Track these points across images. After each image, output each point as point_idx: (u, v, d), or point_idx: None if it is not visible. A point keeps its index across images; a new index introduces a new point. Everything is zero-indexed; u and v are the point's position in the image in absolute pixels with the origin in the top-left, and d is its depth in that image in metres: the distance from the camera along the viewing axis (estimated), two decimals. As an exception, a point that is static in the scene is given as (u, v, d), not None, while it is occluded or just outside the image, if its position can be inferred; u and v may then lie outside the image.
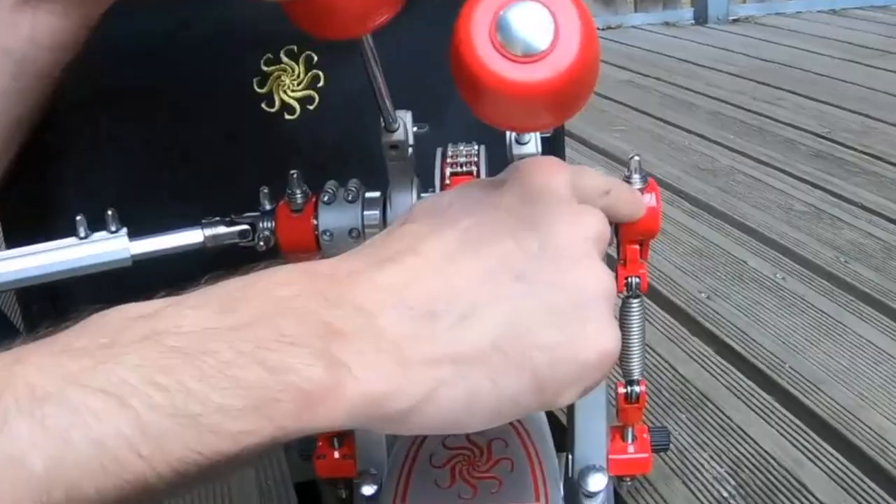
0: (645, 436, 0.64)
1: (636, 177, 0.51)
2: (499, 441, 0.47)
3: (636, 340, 0.59)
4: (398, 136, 0.49)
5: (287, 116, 0.71)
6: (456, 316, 0.27)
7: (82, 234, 0.45)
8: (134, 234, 0.46)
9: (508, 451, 0.46)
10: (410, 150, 0.50)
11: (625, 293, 0.57)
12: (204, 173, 0.68)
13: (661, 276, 1.06)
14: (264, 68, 0.67)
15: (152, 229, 0.49)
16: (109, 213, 0.44)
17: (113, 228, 0.45)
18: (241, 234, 0.48)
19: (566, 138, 1.60)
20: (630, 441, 0.62)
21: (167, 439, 0.22)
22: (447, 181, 0.50)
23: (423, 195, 0.49)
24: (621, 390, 0.59)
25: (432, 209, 0.32)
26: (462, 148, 0.52)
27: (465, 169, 0.50)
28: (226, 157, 0.69)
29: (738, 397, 0.81)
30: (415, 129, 0.53)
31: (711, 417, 0.78)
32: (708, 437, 0.75)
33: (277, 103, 0.69)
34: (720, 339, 0.91)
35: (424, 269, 0.28)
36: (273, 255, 0.51)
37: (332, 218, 0.47)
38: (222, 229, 0.47)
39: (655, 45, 2.43)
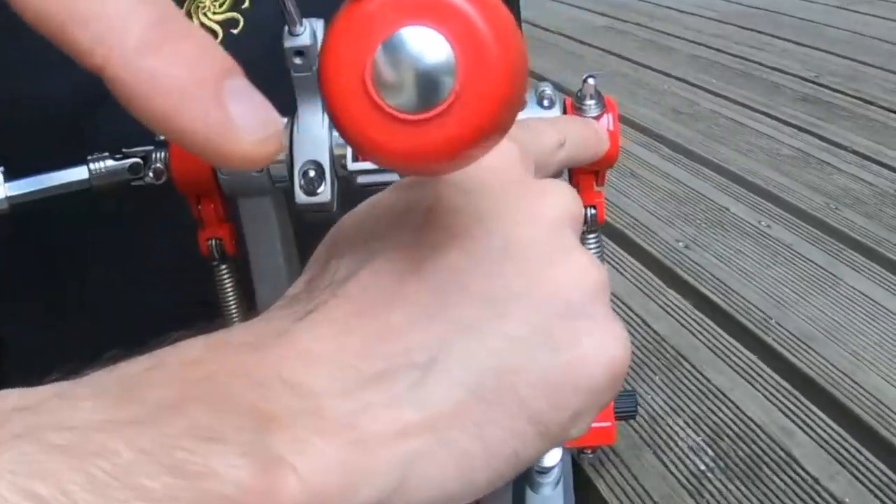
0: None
1: (590, 102, 0.42)
2: None
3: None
4: (303, 40, 0.40)
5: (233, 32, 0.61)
6: (415, 368, 0.21)
7: None
8: (10, 177, 0.39)
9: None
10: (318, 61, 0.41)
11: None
12: (111, 112, 0.58)
13: (636, 224, 0.95)
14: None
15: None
16: None
17: None
18: (132, 168, 0.41)
19: (535, 82, 1.50)
20: (591, 407, 0.53)
21: None
22: None
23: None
24: None
25: (356, 229, 0.25)
26: None
27: None
28: None
29: (719, 356, 0.71)
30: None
31: (688, 379, 0.68)
32: (684, 402, 0.65)
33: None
34: (699, 291, 0.81)
35: (359, 317, 0.22)
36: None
37: None
38: (110, 164, 0.41)
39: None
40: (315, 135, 0.40)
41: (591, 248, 0.50)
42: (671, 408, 0.65)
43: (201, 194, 0.43)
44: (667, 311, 0.78)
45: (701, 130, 1.25)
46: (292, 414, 0.20)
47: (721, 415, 0.64)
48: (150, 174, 0.42)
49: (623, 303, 0.80)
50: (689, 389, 0.67)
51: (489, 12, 0.21)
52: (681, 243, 0.91)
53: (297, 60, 0.39)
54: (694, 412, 0.64)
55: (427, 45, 0.19)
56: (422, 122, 0.19)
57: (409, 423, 0.21)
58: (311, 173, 0.37)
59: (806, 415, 0.63)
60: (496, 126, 0.20)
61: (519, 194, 0.25)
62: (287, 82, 0.45)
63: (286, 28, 0.40)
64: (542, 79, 1.52)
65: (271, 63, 0.46)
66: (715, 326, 0.75)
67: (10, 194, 0.38)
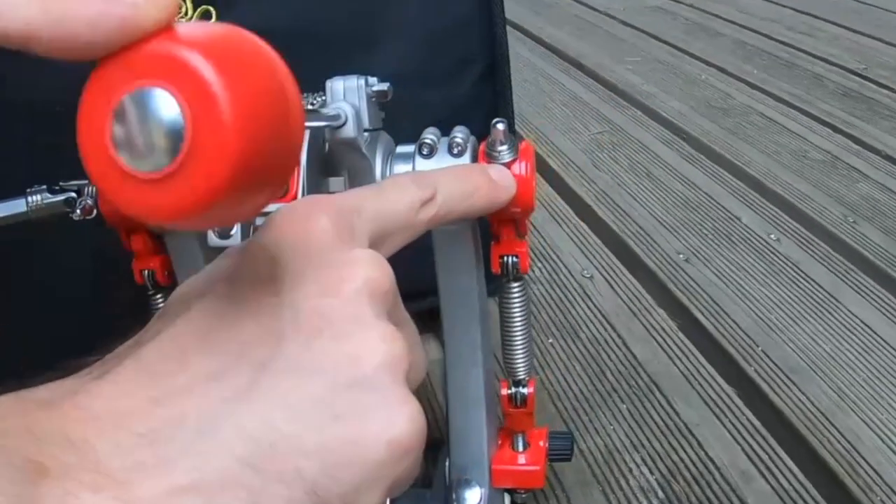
0: (542, 443, 0.53)
1: (502, 147, 0.41)
2: None
3: (519, 332, 0.48)
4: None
5: None
6: (190, 433, 0.22)
7: None
8: None
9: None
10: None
11: (502, 276, 0.46)
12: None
13: (639, 233, 0.92)
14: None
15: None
16: None
17: None
18: (67, 201, 0.43)
19: (575, 69, 1.46)
20: (521, 449, 0.52)
21: None
22: None
23: None
24: (504, 392, 0.49)
25: (178, 296, 0.26)
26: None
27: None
28: None
29: (693, 387, 0.68)
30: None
31: (656, 411, 0.65)
32: (646, 436, 0.63)
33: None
34: (689, 312, 0.78)
35: (149, 381, 0.23)
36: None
37: None
38: (47, 197, 0.42)
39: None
40: None
41: (514, 298, 0.48)
42: (632, 442, 0.62)
43: (129, 229, 0.43)
44: (650, 333, 0.75)
45: (729, 128, 1.19)
46: (66, 468, 0.21)
47: (682, 453, 0.61)
48: (78, 212, 0.42)
49: (607, 321, 0.77)
50: (655, 423, 0.64)
51: (230, 70, 0.20)
52: (682, 256, 0.87)
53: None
54: (654, 448, 0.62)
55: (156, 105, 0.19)
56: (156, 181, 0.19)
57: (177, 486, 0.22)
58: None
59: (771, 459, 0.60)
60: (233, 184, 0.20)
61: (323, 268, 0.25)
62: None
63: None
64: (577, 64, 1.48)
65: None
66: (697, 353, 0.72)
67: None
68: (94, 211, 0.42)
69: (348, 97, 0.41)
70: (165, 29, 0.19)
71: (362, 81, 0.41)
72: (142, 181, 0.19)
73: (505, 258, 0.45)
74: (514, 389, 0.48)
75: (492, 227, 0.45)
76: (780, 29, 1.63)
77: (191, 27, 0.20)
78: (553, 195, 1.03)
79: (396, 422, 0.24)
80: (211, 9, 0.60)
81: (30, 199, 0.41)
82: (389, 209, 0.29)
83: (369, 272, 0.25)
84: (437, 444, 0.53)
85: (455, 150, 0.42)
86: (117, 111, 0.19)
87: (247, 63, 0.20)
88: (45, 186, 0.42)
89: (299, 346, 0.24)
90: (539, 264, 0.87)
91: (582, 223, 0.95)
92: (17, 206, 0.41)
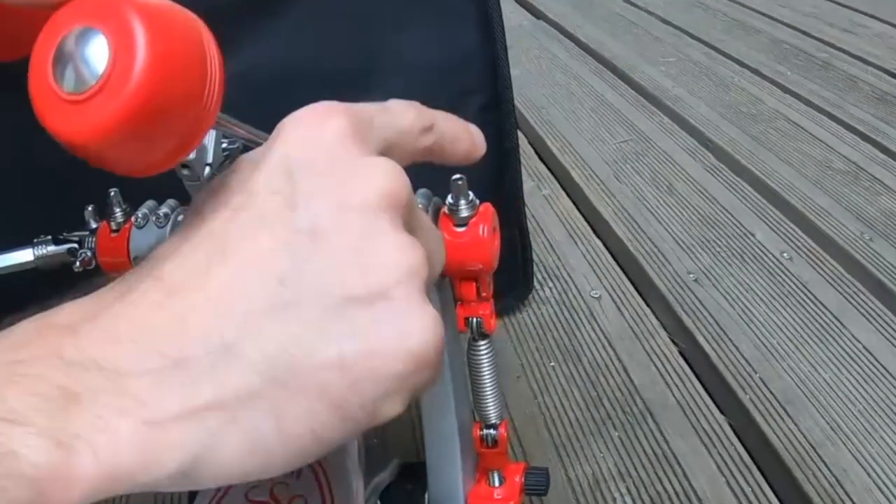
0: (518, 478, 0.55)
1: (462, 203, 0.43)
2: (300, 499, 0.42)
3: (489, 383, 0.50)
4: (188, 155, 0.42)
5: None
6: (212, 352, 0.22)
7: None
8: None
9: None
10: (208, 169, 0.44)
11: (469, 335, 0.48)
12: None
13: (653, 252, 0.93)
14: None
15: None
16: None
17: None
18: (70, 252, 0.45)
19: (608, 72, 1.45)
20: (497, 485, 0.54)
21: None
22: None
23: None
24: (477, 433, 0.51)
25: (192, 211, 0.27)
26: None
27: None
28: None
29: (687, 416, 0.69)
30: (225, 142, 0.46)
31: (647, 440, 0.67)
32: (634, 466, 0.65)
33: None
34: (692, 335, 0.79)
35: (166, 300, 0.23)
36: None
37: (142, 242, 0.43)
38: (51, 248, 0.45)
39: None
40: None
41: (482, 354, 0.51)
42: (619, 471, 0.64)
43: None
44: (651, 358, 0.76)
45: (755, 135, 1.18)
46: (94, 393, 0.21)
47: (667, 483, 0.63)
48: (78, 263, 0.46)
49: (610, 345, 0.78)
50: (644, 452, 0.66)
51: (153, 24, 0.24)
52: (692, 276, 0.88)
53: (185, 172, 0.41)
54: (640, 477, 0.63)
55: (88, 41, 0.23)
56: (77, 102, 0.23)
57: (202, 404, 0.22)
58: None
59: (754, 493, 0.61)
60: (139, 114, 0.23)
61: (339, 176, 0.25)
62: (263, 128, 0.47)
63: None
64: (610, 66, 1.48)
65: (250, 113, 0.49)
66: (694, 380, 0.73)
67: None
68: (93, 262, 0.45)
69: None
70: None
71: None
72: (66, 101, 0.23)
73: (470, 319, 0.47)
74: (485, 432, 0.51)
75: (454, 288, 0.47)
76: (819, 25, 1.59)
77: None
78: (573, 211, 1.04)
79: (413, 332, 0.23)
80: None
81: (36, 249, 0.44)
82: (396, 125, 0.30)
83: (386, 182, 0.25)
84: (425, 472, 0.56)
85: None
86: (59, 45, 0.23)
87: (171, 22, 0.25)
88: (50, 237, 0.45)
89: (316, 259, 0.23)
90: (550, 284, 0.89)
91: (597, 240, 0.97)
92: (24, 256, 0.44)
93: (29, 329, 0.23)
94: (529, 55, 1.59)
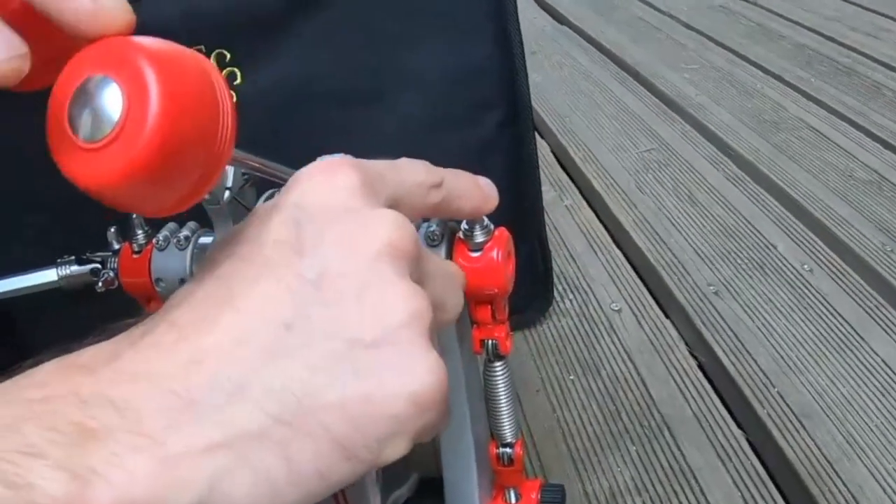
0: (534, 495, 0.56)
1: (477, 229, 0.44)
2: None
3: (505, 404, 0.52)
4: None
5: None
6: (222, 393, 0.23)
7: None
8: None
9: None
10: (228, 193, 0.45)
11: (484, 356, 0.49)
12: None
13: (673, 263, 0.93)
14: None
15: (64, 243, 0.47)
16: None
17: None
18: (93, 272, 0.46)
19: (631, 80, 1.46)
20: (514, 501, 0.56)
21: None
22: None
23: None
24: (494, 451, 0.52)
25: (207, 260, 0.28)
26: None
27: None
28: None
29: (704, 430, 0.70)
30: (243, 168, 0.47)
31: (664, 454, 0.68)
32: (651, 480, 0.65)
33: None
34: (711, 349, 0.79)
35: (179, 343, 0.24)
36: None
37: (164, 264, 0.44)
38: (74, 268, 0.46)
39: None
40: None
41: (497, 375, 0.52)
42: (636, 485, 0.65)
43: (149, 298, 0.48)
44: (669, 371, 0.77)
45: (777, 144, 1.18)
46: (110, 430, 0.22)
47: (683, 498, 0.63)
48: (100, 283, 0.47)
49: (629, 358, 0.79)
50: (661, 466, 0.67)
51: (165, 72, 0.25)
52: (712, 288, 0.88)
53: (206, 197, 0.43)
54: (657, 492, 0.64)
55: (103, 89, 0.24)
56: (93, 150, 0.24)
57: (212, 443, 0.23)
58: None
59: (769, 508, 0.62)
60: (154, 161, 0.24)
61: (346, 225, 0.26)
62: (282, 145, 0.49)
63: None
64: (633, 73, 1.48)
65: (263, 133, 0.51)
66: (712, 395, 0.74)
67: None
68: (116, 282, 0.47)
69: None
70: (126, 33, 0.25)
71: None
72: (83, 149, 0.24)
73: (485, 341, 0.48)
74: (501, 450, 0.52)
75: (470, 311, 0.48)
76: (843, 31, 1.58)
77: (148, 38, 0.26)
78: (594, 221, 1.04)
79: (415, 376, 0.24)
80: (226, 52, 0.64)
81: (59, 270, 0.46)
82: (406, 182, 0.31)
83: (391, 232, 0.26)
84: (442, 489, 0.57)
85: (433, 241, 0.45)
86: (74, 94, 0.24)
87: (181, 67, 0.26)
88: (73, 257, 0.46)
89: (321, 305, 0.25)
90: (570, 296, 0.90)
91: (618, 251, 0.97)
92: (48, 276, 0.46)
93: (49, 370, 0.24)
94: (552, 61, 1.59)
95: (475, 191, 0.37)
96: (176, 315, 0.25)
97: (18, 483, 0.20)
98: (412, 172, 0.32)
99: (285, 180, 0.35)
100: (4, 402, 0.22)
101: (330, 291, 0.25)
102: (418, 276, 0.27)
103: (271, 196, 0.44)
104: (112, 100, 0.24)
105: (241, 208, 0.44)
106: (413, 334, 0.25)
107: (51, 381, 0.23)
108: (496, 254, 0.45)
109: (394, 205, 0.29)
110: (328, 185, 0.27)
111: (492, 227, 0.45)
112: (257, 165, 0.36)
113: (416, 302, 0.25)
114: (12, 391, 0.23)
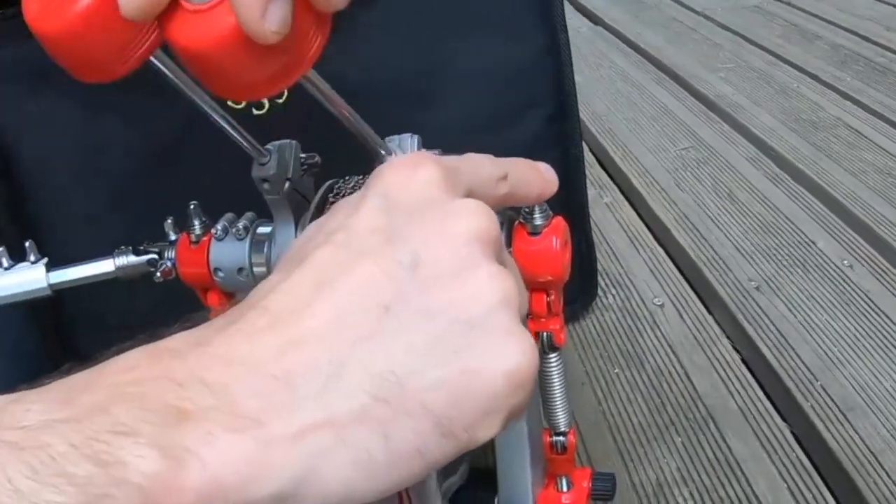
0: (585, 483, 0.57)
1: (537, 212, 0.44)
2: None
3: (559, 394, 0.53)
4: (268, 170, 0.45)
5: (255, 112, 0.67)
6: (322, 374, 0.23)
7: (5, 265, 0.44)
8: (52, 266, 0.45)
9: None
10: (288, 184, 0.46)
11: (539, 347, 0.50)
12: (183, 173, 0.66)
13: (714, 259, 0.94)
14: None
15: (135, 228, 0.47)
16: (27, 244, 0.44)
17: (32, 259, 0.44)
18: (150, 262, 0.46)
19: (669, 80, 1.46)
20: (565, 489, 0.56)
21: None
22: (327, 210, 0.45)
23: None
24: (547, 439, 0.53)
25: (292, 250, 0.28)
26: (352, 180, 0.47)
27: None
28: (197, 156, 0.66)
29: (749, 422, 0.71)
30: (303, 157, 0.48)
31: (709, 445, 0.69)
32: (697, 471, 0.66)
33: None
34: (754, 343, 0.80)
35: (275, 328, 0.24)
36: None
37: (222, 254, 0.44)
38: (131, 258, 0.46)
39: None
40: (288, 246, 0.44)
41: (552, 366, 0.53)
42: (682, 476, 0.66)
43: (206, 288, 0.48)
44: (713, 365, 0.78)
45: (816, 143, 1.18)
46: (205, 411, 0.22)
47: (729, 489, 0.64)
48: (158, 273, 0.47)
49: (672, 352, 0.80)
50: (707, 457, 0.68)
51: None
52: (753, 283, 0.89)
53: (266, 186, 0.44)
54: (703, 483, 0.65)
55: None
56: (204, 10, 0.25)
57: (311, 423, 0.23)
58: None
59: (815, 499, 0.63)
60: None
61: (433, 215, 0.27)
62: (328, 142, 0.50)
63: (254, 160, 0.45)
64: (671, 74, 1.49)
65: (313, 128, 0.52)
66: (756, 387, 0.75)
67: (52, 282, 0.44)
68: (173, 273, 0.46)
69: (402, 146, 0.45)
70: None
71: (416, 140, 0.45)
72: (190, 12, 0.26)
73: (540, 333, 0.50)
74: (555, 438, 0.53)
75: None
76: (878, 30, 1.58)
77: None
78: (634, 218, 1.05)
79: (511, 355, 0.25)
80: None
81: (116, 260, 0.45)
82: (478, 174, 0.32)
83: (478, 219, 0.27)
84: (493, 477, 0.58)
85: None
86: None
87: None
88: (130, 247, 0.46)
89: (418, 288, 0.25)
90: (613, 291, 0.91)
91: (659, 248, 0.98)
92: (105, 266, 0.46)
93: (138, 355, 0.24)
94: (589, 62, 1.60)
95: (537, 177, 0.38)
96: (268, 301, 0.25)
97: (109, 461, 0.20)
98: (481, 165, 0.33)
99: (366, 140, 0.37)
100: (94, 386, 0.22)
101: (425, 276, 0.25)
102: (500, 261, 0.28)
103: (330, 188, 0.45)
104: None
105: (299, 199, 0.45)
106: (506, 315, 0.25)
107: (140, 365, 0.23)
108: (554, 241, 0.46)
109: (469, 196, 0.30)
110: (412, 178, 0.28)
111: (550, 211, 0.46)
112: (326, 92, 0.36)
113: (508, 284, 0.26)
114: (101, 375, 0.23)
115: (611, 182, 1.16)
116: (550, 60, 0.75)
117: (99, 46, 0.29)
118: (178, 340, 0.24)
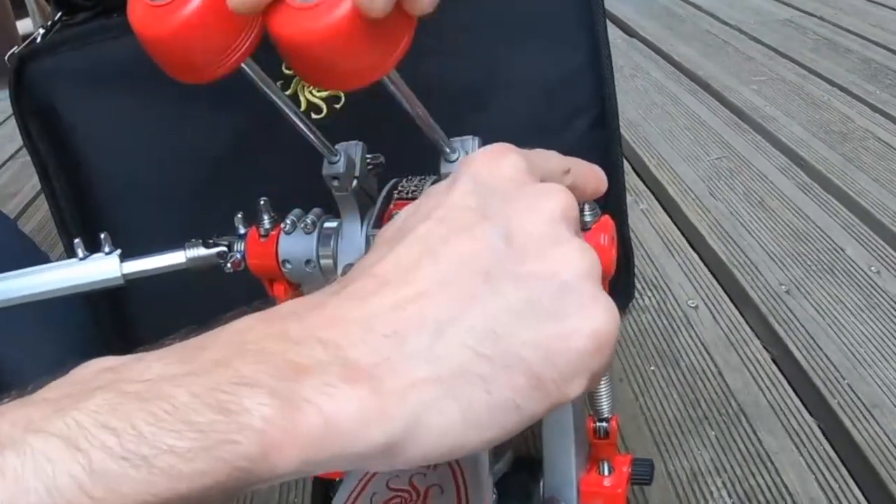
0: (625, 469, 0.61)
1: (586, 209, 0.47)
2: (435, 488, 0.46)
3: (603, 381, 0.56)
4: (338, 168, 0.47)
5: (314, 116, 0.71)
6: (429, 332, 0.25)
7: (81, 256, 0.46)
8: (128, 255, 0.47)
9: (442, 498, 0.46)
10: (355, 182, 0.48)
11: None
12: (243, 175, 0.70)
13: (746, 264, 0.97)
14: (286, 71, 0.68)
15: (188, 229, 0.50)
16: (102, 235, 0.46)
17: (107, 250, 0.46)
18: (220, 255, 0.48)
19: (702, 91, 1.48)
20: (606, 473, 0.60)
21: (119, 482, 0.21)
22: (391, 206, 0.47)
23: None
24: (591, 425, 0.56)
25: (391, 228, 0.30)
26: (414, 179, 0.49)
27: (409, 195, 0.47)
28: (259, 159, 0.70)
29: (779, 417, 0.74)
30: (369, 157, 0.50)
31: (742, 438, 0.72)
32: (729, 462, 0.70)
33: (304, 103, 0.70)
34: (784, 344, 0.83)
35: (385, 291, 0.26)
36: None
37: (291, 247, 0.46)
38: (202, 250, 0.47)
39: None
40: (355, 241, 0.48)
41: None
42: (715, 467, 0.69)
43: (273, 279, 0.50)
44: (745, 363, 0.81)
45: (845, 154, 1.21)
46: (321, 365, 0.24)
47: (759, 478, 0.68)
48: (229, 265, 0.49)
49: (706, 351, 0.83)
50: (738, 449, 0.71)
51: None
52: (783, 287, 0.92)
53: (335, 184, 0.47)
54: (735, 473, 0.68)
55: None
56: (308, 9, 0.28)
57: (421, 377, 0.24)
58: None
59: (841, 490, 0.66)
60: (355, 21, 0.28)
61: (522, 194, 0.29)
62: (386, 149, 0.53)
63: (324, 158, 0.47)
64: (704, 85, 1.52)
65: (370, 131, 0.56)
66: (786, 385, 0.78)
67: (125, 272, 0.46)
68: (242, 264, 0.48)
69: (464, 146, 0.47)
70: None
71: (476, 142, 0.48)
72: (297, 9, 0.29)
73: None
74: (597, 424, 0.57)
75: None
76: (911, 44, 1.59)
77: None
78: (669, 224, 1.09)
79: (597, 317, 0.26)
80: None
81: (187, 252, 0.47)
82: (549, 166, 0.34)
83: (563, 199, 0.29)
84: (537, 464, 0.62)
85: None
86: None
87: None
88: (200, 240, 0.48)
89: (513, 258, 0.27)
90: (649, 293, 0.94)
91: (693, 253, 1.01)
92: (177, 258, 0.47)
93: (252, 318, 0.26)
94: (624, 73, 1.63)
95: (594, 174, 0.40)
96: (375, 268, 0.27)
97: (232, 409, 0.22)
98: (551, 159, 0.36)
99: (433, 137, 0.39)
100: (213, 345, 0.24)
101: (519, 248, 0.27)
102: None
103: (394, 185, 0.48)
104: None
105: (363, 196, 0.48)
106: (591, 282, 0.27)
107: (257, 326, 0.25)
108: (602, 237, 0.49)
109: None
110: (500, 164, 0.30)
111: (599, 210, 0.49)
112: (405, 91, 0.39)
113: (591, 254, 0.28)
114: (219, 336, 0.25)
115: (646, 189, 1.19)
116: (593, 71, 0.78)
117: (199, 51, 0.32)
118: (292, 305, 0.26)
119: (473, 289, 0.26)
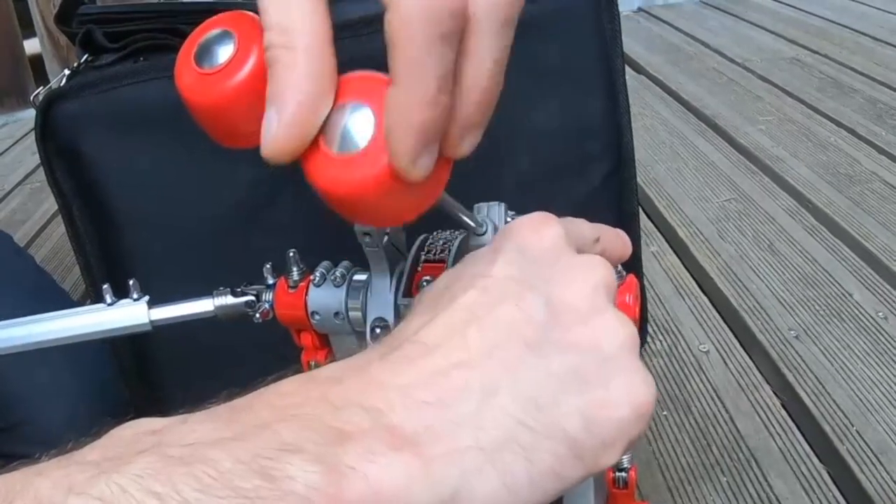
0: (641, 517, 0.63)
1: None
2: None
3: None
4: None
5: None
6: (473, 401, 0.25)
7: (109, 301, 0.48)
8: (155, 301, 0.48)
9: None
10: (386, 238, 0.50)
11: None
12: (272, 225, 0.73)
13: (756, 309, 1.00)
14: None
15: (217, 269, 0.52)
16: (131, 282, 0.47)
17: (135, 296, 0.48)
18: (248, 304, 0.49)
19: (711, 131, 1.51)
20: (623, 521, 0.62)
21: None
22: (419, 268, 0.50)
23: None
24: (610, 475, 0.59)
25: (430, 296, 0.31)
26: (442, 235, 0.51)
27: (437, 256, 0.50)
28: (284, 206, 0.72)
29: (789, 463, 0.77)
30: None
31: (752, 484, 0.75)
32: (742, 507, 0.73)
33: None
34: (793, 389, 0.86)
35: (429, 358, 0.26)
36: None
37: (320, 299, 0.48)
38: (230, 299, 0.48)
39: (835, 11, 2.22)
40: (384, 297, 0.49)
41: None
42: (728, 512, 0.72)
43: (300, 329, 0.51)
44: (755, 409, 0.84)
45: (852, 197, 1.24)
46: (364, 431, 0.24)
47: (771, 525, 0.71)
48: (258, 315, 0.51)
49: (717, 396, 0.86)
50: (750, 494, 0.74)
51: None
52: (793, 332, 0.95)
53: (367, 239, 0.49)
54: (748, 519, 0.71)
55: (356, 111, 0.28)
56: (346, 160, 0.28)
57: (464, 445, 0.25)
58: (378, 330, 0.44)
59: (850, 535, 0.69)
60: (393, 176, 0.28)
61: (563, 265, 0.30)
62: None
63: None
64: (712, 125, 1.56)
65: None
66: (795, 431, 0.81)
67: (153, 318, 0.47)
68: (271, 314, 0.49)
69: (490, 215, 0.48)
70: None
71: (503, 208, 0.51)
72: (336, 160, 0.28)
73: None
74: (616, 474, 0.60)
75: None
76: (916, 84, 1.64)
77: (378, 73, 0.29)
78: (679, 267, 1.12)
79: (636, 388, 0.27)
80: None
81: (216, 299, 0.48)
82: (582, 235, 0.36)
83: (603, 271, 0.30)
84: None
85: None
86: (330, 116, 0.28)
87: None
88: (228, 289, 0.49)
89: (556, 329, 0.28)
90: (660, 338, 0.97)
91: (704, 296, 1.05)
92: (205, 305, 0.48)
93: (294, 381, 0.26)
94: (633, 111, 1.66)
95: (620, 241, 0.42)
96: (420, 336, 0.27)
97: (276, 475, 0.22)
98: (583, 227, 0.38)
99: (460, 217, 0.41)
100: (255, 409, 0.24)
101: (561, 317, 0.28)
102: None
103: (425, 240, 0.51)
104: (365, 121, 0.28)
105: (393, 250, 0.50)
106: (630, 353, 0.28)
107: (297, 390, 0.25)
108: (628, 297, 0.52)
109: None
110: (541, 235, 0.31)
111: (624, 272, 0.51)
112: (451, 202, 0.39)
113: (630, 326, 0.29)
114: (260, 399, 0.25)
115: (656, 231, 1.23)
116: (611, 118, 0.80)
117: (244, 119, 0.32)
118: (333, 368, 0.27)
119: (517, 357, 0.27)
